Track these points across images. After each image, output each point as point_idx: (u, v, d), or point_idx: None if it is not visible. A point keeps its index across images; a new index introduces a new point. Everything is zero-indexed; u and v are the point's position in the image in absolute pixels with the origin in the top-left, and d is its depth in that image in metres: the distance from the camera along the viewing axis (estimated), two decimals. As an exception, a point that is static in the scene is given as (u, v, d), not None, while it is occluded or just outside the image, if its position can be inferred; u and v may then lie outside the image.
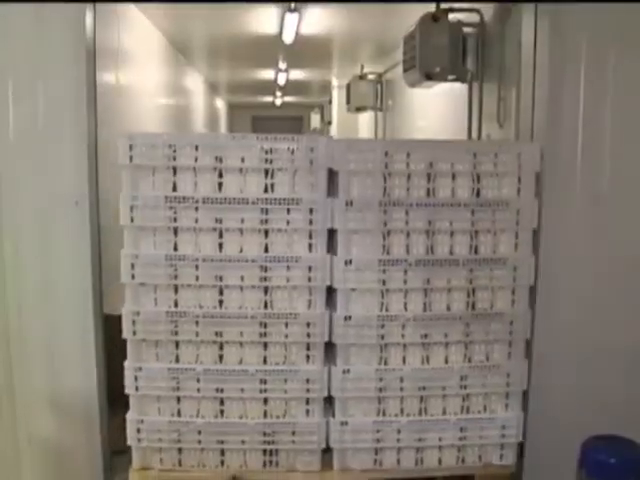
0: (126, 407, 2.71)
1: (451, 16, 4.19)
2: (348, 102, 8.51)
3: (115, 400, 2.89)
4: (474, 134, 4.34)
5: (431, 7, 4.29)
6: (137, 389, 2.63)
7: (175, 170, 2.55)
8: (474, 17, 4.19)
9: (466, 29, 4.20)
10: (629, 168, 2.83)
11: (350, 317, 2.62)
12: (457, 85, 4.52)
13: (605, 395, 2.82)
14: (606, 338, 2.84)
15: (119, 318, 2.72)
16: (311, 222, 2.59)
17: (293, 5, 5.44)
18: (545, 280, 2.82)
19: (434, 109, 5.96)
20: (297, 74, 10.52)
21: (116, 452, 2.96)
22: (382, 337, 2.65)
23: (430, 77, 4.25)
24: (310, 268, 2.60)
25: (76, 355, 2.88)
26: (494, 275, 2.66)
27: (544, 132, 2.82)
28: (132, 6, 5.46)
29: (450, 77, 4.28)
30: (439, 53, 4.23)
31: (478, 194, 2.63)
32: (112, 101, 4.52)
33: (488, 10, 4.22)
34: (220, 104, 14.90)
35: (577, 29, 2.78)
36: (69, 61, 2.77)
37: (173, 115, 7.97)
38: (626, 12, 2.71)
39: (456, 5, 4.29)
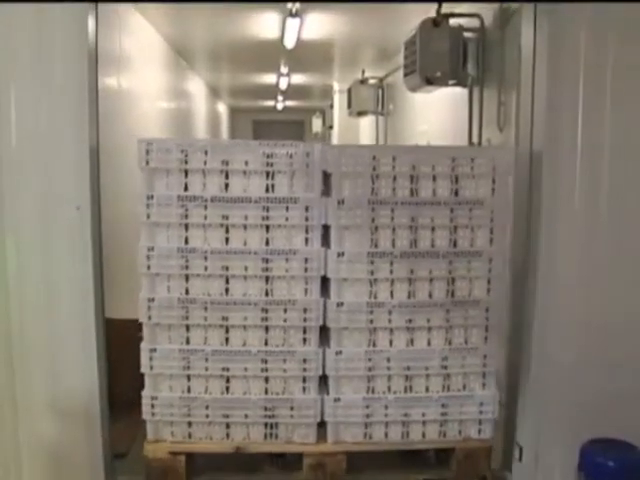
0: (125, 411, 3.00)
1: (452, 21, 4.23)
2: (349, 106, 8.59)
3: (114, 405, 3.11)
4: (475, 139, 4.38)
5: (432, 12, 4.30)
6: (151, 368, 2.98)
7: (186, 172, 2.91)
8: (474, 22, 4.22)
9: (466, 34, 4.26)
10: (628, 171, 2.91)
11: (342, 304, 2.96)
12: (458, 90, 4.56)
13: (606, 397, 2.88)
14: (607, 339, 2.93)
15: (119, 322, 3.00)
16: (307, 219, 2.94)
17: (294, 10, 5.52)
18: (546, 280, 3.00)
19: (435, 114, 5.95)
20: (299, 78, 10.71)
21: (116, 455, 3.16)
22: (371, 322, 2.99)
23: (431, 82, 4.34)
24: (306, 260, 2.94)
25: (78, 357, 2.95)
26: (471, 266, 3.00)
27: (543, 137, 2.97)
28: (134, 10, 5.55)
29: (451, 82, 4.36)
30: (440, 58, 4.30)
31: (457, 194, 2.97)
32: (114, 105, 4.62)
33: (488, 15, 4.24)
34: (222, 108, 15.08)
35: (576, 33, 2.85)
36: (71, 65, 2.84)
37: (175, 119, 8.08)
38: (625, 15, 2.79)
39: (457, 10, 4.30)
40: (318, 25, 6.53)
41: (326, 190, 2.98)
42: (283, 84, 11.16)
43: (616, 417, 2.82)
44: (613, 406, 2.86)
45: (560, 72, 2.91)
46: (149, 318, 2.97)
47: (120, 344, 3.54)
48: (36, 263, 2.89)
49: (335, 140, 11.47)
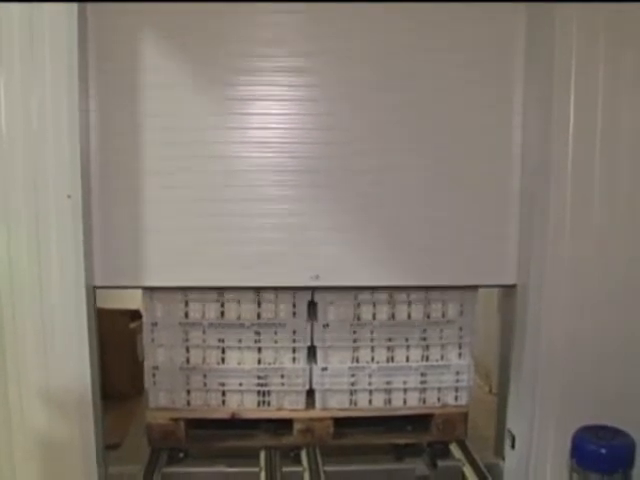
0: (118, 402, 3.42)
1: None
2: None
3: (106, 396, 3.39)
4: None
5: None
6: (153, 340, 3.55)
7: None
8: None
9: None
10: (619, 174, 3.08)
11: (328, 279, 3.51)
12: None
13: (598, 384, 3.14)
14: (599, 328, 3.15)
15: (109, 312, 3.38)
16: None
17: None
18: (538, 271, 3.20)
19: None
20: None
21: (109, 446, 3.45)
22: (355, 297, 3.55)
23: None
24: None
25: (70, 347, 3.11)
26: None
27: (536, 145, 3.19)
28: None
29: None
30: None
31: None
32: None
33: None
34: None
35: (567, 34, 2.99)
36: (62, 55, 2.95)
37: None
38: (617, 16, 2.97)
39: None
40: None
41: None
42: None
43: (608, 404, 3.09)
44: (605, 393, 3.14)
45: (551, 71, 3.05)
46: (151, 290, 3.51)
47: (111, 334, 4.07)
48: (27, 252, 3.04)
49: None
